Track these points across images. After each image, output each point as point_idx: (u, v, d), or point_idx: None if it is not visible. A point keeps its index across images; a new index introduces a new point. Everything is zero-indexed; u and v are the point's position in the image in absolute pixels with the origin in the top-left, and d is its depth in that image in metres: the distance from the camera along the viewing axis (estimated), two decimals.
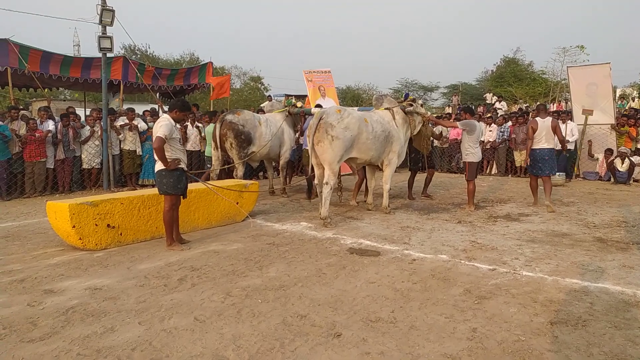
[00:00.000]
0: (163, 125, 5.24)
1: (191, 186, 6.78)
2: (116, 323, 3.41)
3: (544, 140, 7.77)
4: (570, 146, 11.21)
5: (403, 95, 8.09)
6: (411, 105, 7.68)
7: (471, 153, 7.75)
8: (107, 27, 9.36)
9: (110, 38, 9.36)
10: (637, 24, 73.37)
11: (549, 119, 7.86)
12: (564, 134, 10.29)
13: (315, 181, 7.21)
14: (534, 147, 7.85)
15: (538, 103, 11.31)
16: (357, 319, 3.48)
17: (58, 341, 3.13)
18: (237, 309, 3.68)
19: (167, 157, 5.24)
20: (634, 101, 23.35)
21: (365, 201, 8.14)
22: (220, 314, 3.57)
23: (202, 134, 11.15)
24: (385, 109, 7.71)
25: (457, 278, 4.35)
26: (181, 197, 5.52)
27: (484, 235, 6.02)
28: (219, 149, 8.51)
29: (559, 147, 9.00)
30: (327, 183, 6.70)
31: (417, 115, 7.76)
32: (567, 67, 13.01)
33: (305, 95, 17.22)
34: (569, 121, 11.42)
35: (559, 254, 5.09)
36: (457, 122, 8.22)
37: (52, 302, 3.82)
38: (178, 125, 5.74)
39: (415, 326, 3.34)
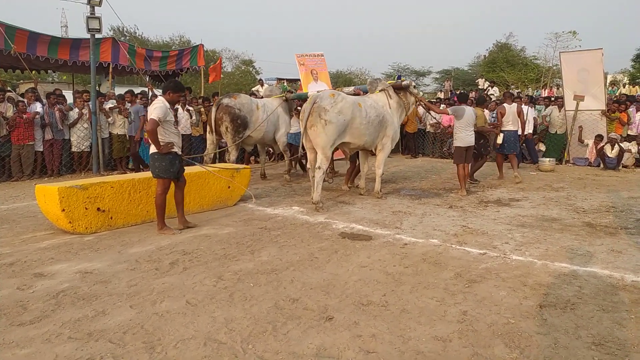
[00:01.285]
0: (157, 107, 5.17)
1: None
2: (107, 306, 3.40)
3: (510, 123, 9.20)
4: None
5: (396, 78, 8.08)
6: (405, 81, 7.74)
7: (459, 138, 7.82)
8: (96, 8, 9.16)
9: (98, 19, 9.18)
10: (629, 11, 73.38)
11: (514, 105, 9.25)
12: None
13: (308, 165, 7.20)
14: (503, 129, 9.20)
15: (505, 91, 11.48)
16: (349, 302, 3.50)
17: (49, 324, 3.11)
18: (229, 292, 3.68)
19: (160, 140, 5.18)
20: (624, 87, 23.48)
21: (357, 186, 8.15)
22: (212, 298, 3.56)
23: (193, 117, 11.05)
24: (380, 90, 7.67)
25: (448, 262, 4.38)
26: (174, 180, 5.47)
27: (474, 220, 6.06)
28: (214, 133, 8.42)
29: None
30: (319, 167, 6.69)
31: (411, 96, 7.76)
32: (560, 52, 13.02)
33: (298, 79, 17.12)
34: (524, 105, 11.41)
35: (548, 239, 5.14)
36: (448, 108, 8.24)
37: (43, 286, 3.79)
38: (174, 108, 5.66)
39: (407, 309, 3.36)
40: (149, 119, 5.15)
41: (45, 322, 3.15)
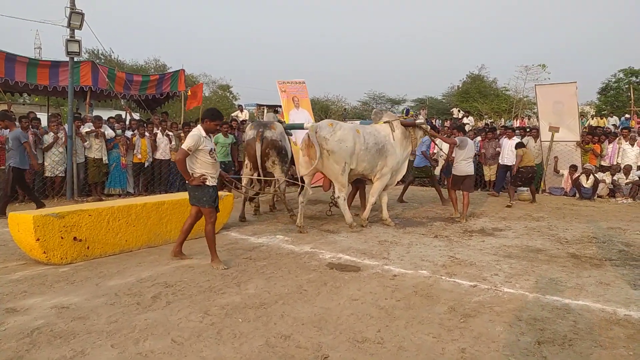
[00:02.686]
0: (189, 136, 4.96)
1: (163, 197, 6.58)
2: (87, 346, 3.18)
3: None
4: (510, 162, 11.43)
5: (404, 111, 8.28)
6: (416, 118, 7.99)
7: (458, 167, 8.14)
8: (76, 31, 9.00)
9: (78, 42, 9.00)
10: (595, 46, 77.00)
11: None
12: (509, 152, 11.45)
13: (301, 198, 7.13)
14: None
15: (457, 124, 11.76)
16: (344, 339, 3.37)
17: None
18: (216, 329, 3.50)
19: (191, 170, 4.95)
20: (592, 119, 24.31)
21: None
22: (199, 335, 3.38)
23: (172, 143, 10.87)
24: (385, 122, 7.76)
25: (440, 295, 4.31)
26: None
27: (461, 250, 6.03)
28: (260, 168, 7.56)
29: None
30: (338, 197, 7.11)
31: (419, 130, 7.91)
32: (535, 85, 13.41)
33: (278, 105, 17.15)
34: (515, 137, 11.74)
35: (536, 270, 5.13)
36: (456, 138, 8.36)
37: (15, 322, 3.54)
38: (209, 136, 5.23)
39: (404, 347, 3.25)
40: (181, 148, 4.97)
41: None
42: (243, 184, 7.77)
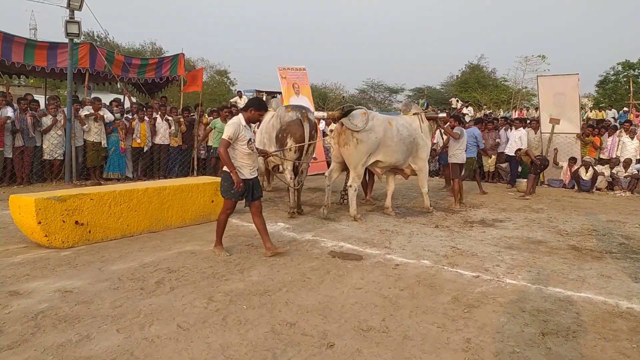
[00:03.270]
0: (229, 125, 4.79)
1: (165, 182, 6.54)
2: (92, 330, 3.17)
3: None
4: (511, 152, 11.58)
5: (424, 105, 8.60)
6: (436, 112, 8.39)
7: (457, 155, 8.47)
8: (75, 12, 8.87)
9: (78, 23, 8.88)
10: (594, 38, 76.80)
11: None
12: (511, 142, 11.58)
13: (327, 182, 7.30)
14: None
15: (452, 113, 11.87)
16: (349, 327, 3.37)
17: (29, 350, 2.87)
18: (221, 315, 3.50)
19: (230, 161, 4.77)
20: (591, 111, 24.33)
21: (367, 200, 8.44)
22: (205, 321, 3.38)
23: (172, 128, 10.80)
24: (414, 114, 7.88)
25: (443, 285, 4.32)
26: (249, 205, 5.10)
27: (462, 240, 6.04)
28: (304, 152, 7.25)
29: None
30: (350, 185, 7.01)
31: (434, 123, 8.26)
32: (537, 76, 13.36)
33: (277, 92, 17.06)
34: (521, 129, 11.69)
35: (538, 262, 5.15)
36: (455, 131, 8.56)
37: (19, 306, 3.53)
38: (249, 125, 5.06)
39: (409, 336, 3.26)
40: (222, 138, 4.78)
41: (25, 347, 2.91)
42: (288, 172, 7.15)
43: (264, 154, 5.75)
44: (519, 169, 11.97)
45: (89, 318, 3.36)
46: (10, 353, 2.84)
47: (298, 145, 6.92)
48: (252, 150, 4.95)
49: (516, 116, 21.54)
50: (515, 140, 11.36)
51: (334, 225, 6.67)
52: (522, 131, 11.45)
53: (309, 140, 6.99)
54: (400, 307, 3.77)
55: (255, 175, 5.06)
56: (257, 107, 4.92)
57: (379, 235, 6.16)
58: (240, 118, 4.90)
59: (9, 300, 3.63)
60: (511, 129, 12.35)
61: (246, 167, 4.91)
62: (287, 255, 5.10)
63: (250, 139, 4.91)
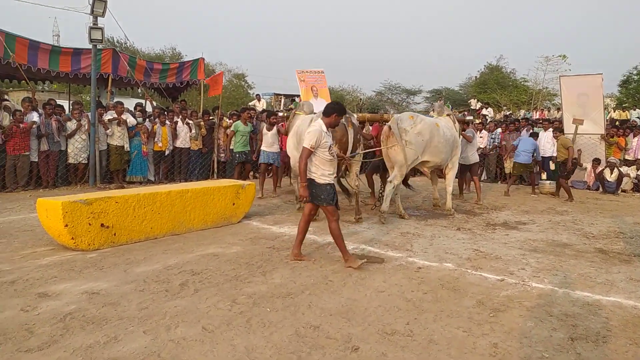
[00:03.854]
0: (311, 133, 4.66)
1: (187, 186, 6.61)
2: (119, 331, 3.21)
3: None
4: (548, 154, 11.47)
5: (449, 107, 8.95)
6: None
7: (473, 155, 9.18)
8: (99, 18, 9.04)
9: (101, 29, 9.06)
10: (616, 37, 75.19)
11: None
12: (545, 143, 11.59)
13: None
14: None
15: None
16: (373, 331, 3.35)
17: (59, 351, 2.92)
18: (245, 317, 3.51)
19: (307, 170, 4.71)
20: (614, 111, 23.83)
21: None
22: (229, 324, 3.40)
23: (192, 131, 10.92)
24: (447, 115, 8.19)
25: (467, 288, 4.27)
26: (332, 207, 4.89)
27: (485, 243, 5.97)
28: None
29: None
30: (390, 181, 7.13)
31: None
32: (560, 76, 13.17)
33: (296, 95, 17.12)
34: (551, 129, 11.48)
35: (564, 265, 5.06)
36: (468, 134, 9.06)
37: (48, 307, 3.59)
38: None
39: (434, 340, 3.23)
40: (303, 146, 4.68)
41: (54, 348, 2.96)
42: (354, 177, 7.13)
43: (340, 159, 5.80)
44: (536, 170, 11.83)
45: (116, 319, 3.41)
46: (40, 354, 2.89)
47: (374, 149, 7.62)
48: (333, 156, 4.84)
49: (537, 117, 21.30)
50: (548, 140, 11.23)
51: (354, 228, 6.65)
52: (550, 132, 11.30)
53: (353, 145, 6.86)
54: (424, 311, 3.73)
55: (333, 182, 4.95)
56: (340, 112, 4.84)
57: (400, 238, 6.12)
58: (320, 124, 4.77)
59: (38, 302, 3.70)
60: (530, 130, 12.19)
61: (327, 174, 4.79)
62: (309, 258, 5.09)
63: (331, 145, 4.78)
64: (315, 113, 8.03)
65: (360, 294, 4.06)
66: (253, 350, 3.02)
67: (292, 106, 9.60)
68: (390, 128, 7.13)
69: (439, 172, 8.50)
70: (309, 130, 4.79)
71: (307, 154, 4.64)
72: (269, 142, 9.14)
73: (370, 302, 3.90)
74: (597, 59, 58.00)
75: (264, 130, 9.24)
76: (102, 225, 5.17)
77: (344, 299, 3.95)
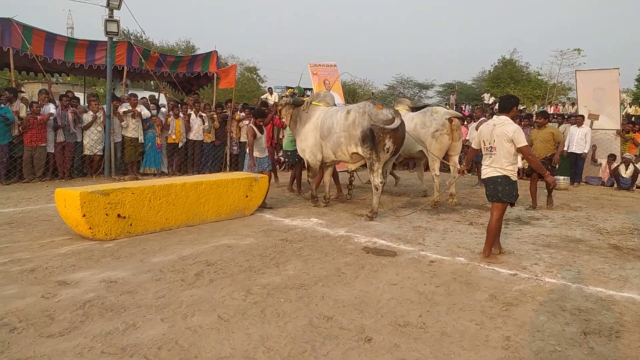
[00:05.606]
0: (517, 130, 4.70)
1: (201, 178, 6.68)
2: (137, 319, 3.29)
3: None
4: (580, 150, 11.31)
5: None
6: None
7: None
8: (114, 11, 9.12)
9: (117, 22, 9.14)
10: (634, 32, 73.82)
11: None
12: (578, 139, 11.27)
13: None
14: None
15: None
16: (385, 322, 3.39)
17: (79, 337, 3.00)
18: (260, 307, 3.57)
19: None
20: (630, 107, 23.50)
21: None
22: (244, 313, 3.46)
23: (206, 124, 10.99)
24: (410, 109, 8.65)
25: (480, 282, 4.28)
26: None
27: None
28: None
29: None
30: (438, 175, 7.96)
31: None
32: (575, 70, 13.01)
33: (309, 88, 17.09)
34: (584, 126, 11.36)
35: (577, 261, 5.04)
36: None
37: (67, 295, 3.68)
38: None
39: (447, 332, 3.25)
40: (523, 146, 4.69)
41: (75, 334, 3.04)
42: (379, 174, 6.81)
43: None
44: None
45: (134, 307, 3.48)
46: (62, 339, 2.97)
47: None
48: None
49: (551, 112, 21.06)
50: (582, 137, 11.10)
51: (366, 221, 6.68)
52: (586, 128, 11.20)
53: (402, 139, 6.92)
54: (437, 304, 3.76)
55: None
56: (517, 104, 5.01)
57: (413, 232, 6.14)
58: (510, 121, 4.87)
59: (57, 290, 3.79)
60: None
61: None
62: (321, 250, 5.14)
63: None
64: (338, 105, 7.97)
65: (372, 287, 4.10)
66: (268, 339, 3.07)
67: (286, 93, 8.63)
68: (451, 123, 7.70)
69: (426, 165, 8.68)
70: (515, 129, 4.72)
71: (530, 149, 4.92)
72: (262, 147, 7.52)
73: (382, 294, 3.93)
74: (613, 54, 57.22)
75: (259, 134, 7.37)
76: (118, 215, 5.26)
77: (357, 291, 3.99)
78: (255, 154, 7.32)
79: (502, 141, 4.74)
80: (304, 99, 7.98)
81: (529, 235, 6.11)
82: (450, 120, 7.77)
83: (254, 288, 3.97)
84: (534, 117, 13.12)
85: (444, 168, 9.81)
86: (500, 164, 4.79)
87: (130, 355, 2.80)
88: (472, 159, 5.95)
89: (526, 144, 4.73)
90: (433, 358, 2.90)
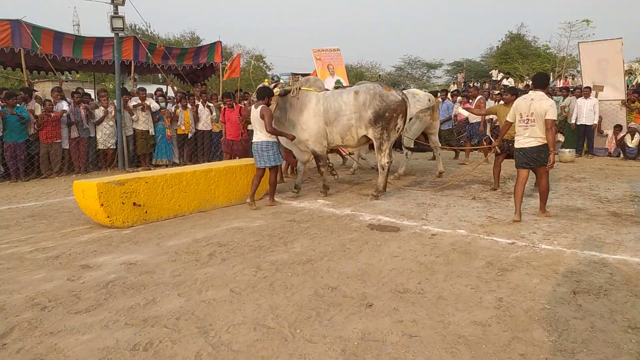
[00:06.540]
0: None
1: (211, 165, 6.93)
2: (157, 295, 3.57)
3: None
4: (590, 122, 11.44)
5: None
6: None
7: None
8: (119, 7, 9.34)
9: (122, 18, 9.36)
10: None
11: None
12: (587, 111, 11.33)
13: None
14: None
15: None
16: (386, 290, 3.62)
17: (104, 312, 3.29)
18: (269, 281, 3.83)
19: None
20: None
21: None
22: (254, 287, 3.72)
23: (213, 114, 11.22)
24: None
25: (478, 251, 4.49)
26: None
27: (499, 210, 6.14)
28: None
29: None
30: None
31: None
32: (579, 42, 12.93)
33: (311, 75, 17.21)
34: (592, 97, 11.42)
35: (575, 228, 5.21)
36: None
37: (91, 277, 3.97)
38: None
39: (443, 296, 3.48)
40: (552, 119, 5.35)
41: (100, 310, 3.33)
42: (386, 154, 7.00)
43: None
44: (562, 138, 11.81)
45: (152, 285, 3.76)
46: (88, 315, 3.26)
47: None
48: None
49: (560, 85, 20.89)
50: (590, 108, 11.20)
51: (371, 200, 6.89)
52: (594, 100, 11.32)
53: (407, 119, 7.33)
54: (435, 272, 3.98)
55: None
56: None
57: (416, 208, 6.34)
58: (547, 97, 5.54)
59: (81, 272, 4.08)
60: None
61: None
62: (327, 229, 5.38)
63: None
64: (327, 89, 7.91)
65: (375, 259, 4.33)
66: (276, 308, 3.33)
67: (268, 80, 7.60)
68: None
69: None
70: (551, 103, 5.41)
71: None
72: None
73: (384, 265, 4.16)
74: (623, 24, 55.96)
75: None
76: (134, 204, 5.55)
77: (360, 263, 4.23)
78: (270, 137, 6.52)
79: (541, 114, 5.35)
80: (288, 87, 7.41)
81: (530, 207, 6.26)
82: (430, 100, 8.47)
83: (263, 265, 4.22)
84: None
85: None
86: (538, 134, 5.42)
87: (152, 325, 3.08)
88: (506, 132, 6.39)
89: (556, 118, 5.45)
90: (429, 319, 3.13)
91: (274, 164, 6.56)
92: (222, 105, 11.38)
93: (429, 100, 8.70)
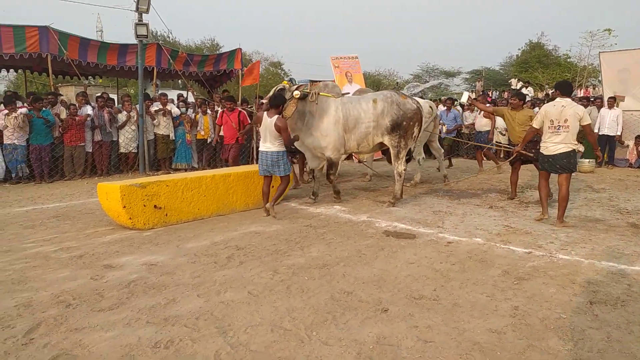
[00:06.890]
0: (585, 110, 5.81)
1: (229, 170, 7.05)
2: (177, 295, 3.66)
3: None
4: (612, 133, 11.34)
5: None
6: None
7: None
8: (143, 14, 9.58)
9: (146, 25, 9.60)
10: None
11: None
12: (610, 121, 11.23)
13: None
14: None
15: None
16: (402, 296, 3.66)
17: (126, 311, 3.39)
18: (286, 285, 3.89)
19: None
20: None
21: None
22: (272, 289, 3.79)
23: None
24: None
25: (494, 260, 4.50)
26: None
27: (516, 220, 6.13)
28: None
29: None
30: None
31: None
32: (600, 52, 12.82)
33: (331, 81, 17.33)
34: (616, 107, 11.30)
35: (593, 239, 5.18)
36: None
37: (114, 276, 4.09)
38: None
39: (459, 304, 3.51)
40: (588, 124, 5.66)
41: (122, 308, 3.43)
42: (403, 162, 7.16)
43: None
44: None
45: (173, 286, 3.86)
46: (111, 313, 3.37)
47: None
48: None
49: (581, 95, 20.65)
50: (613, 119, 11.10)
51: (388, 207, 6.92)
52: (617, 110, 11.19)
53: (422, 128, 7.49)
54: (451, 280, 4.00)
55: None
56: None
57: (433, 216, 6.36)
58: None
59: (104, 272, 4.21)
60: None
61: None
62: (344, 234, 5.43)
63: None
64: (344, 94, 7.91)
65: (391, 265, 4.37)
66: (293, 310, 3.39)
67: (286, 82, 7.06)
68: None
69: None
70: (584, 109, 5.72)
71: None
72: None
73: (400, 272, 4.20)
74: None
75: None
76: (155, 206, 5.68)
77: (376, 269, 4.27)
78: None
79: (574, 120, 5.52)
80: (307, 90, 7.06)
81: (548, 217, 6.23)
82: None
83: (281, 268, 4.29)
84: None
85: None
86: (570, 140, 5.59)
87: (172, 324, 3.17)
88: (530, 139, 6.46)
89: (590, 122, 5.67)
90: (444, 325, 3.16)
91: (285, 174, 6.46)
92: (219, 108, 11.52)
93: (431, 108, 8.89)
